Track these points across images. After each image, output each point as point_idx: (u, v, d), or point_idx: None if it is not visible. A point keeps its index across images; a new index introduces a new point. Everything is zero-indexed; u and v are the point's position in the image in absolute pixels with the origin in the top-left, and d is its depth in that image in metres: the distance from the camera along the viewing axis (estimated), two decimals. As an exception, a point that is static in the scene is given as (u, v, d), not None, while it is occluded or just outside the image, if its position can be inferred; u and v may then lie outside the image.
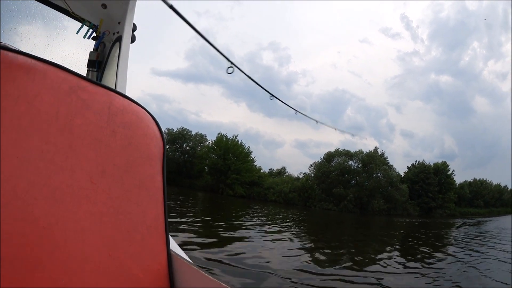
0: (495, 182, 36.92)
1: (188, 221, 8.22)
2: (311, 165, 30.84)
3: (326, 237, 9.91)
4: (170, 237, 0.62)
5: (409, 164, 32.31)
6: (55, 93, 0.49)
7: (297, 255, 6.03)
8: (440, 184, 29.59)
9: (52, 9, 1.52)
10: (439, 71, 77.16)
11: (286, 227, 10.87)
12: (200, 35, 1.49)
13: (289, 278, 4.42)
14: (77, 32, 1.56)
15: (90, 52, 1.63)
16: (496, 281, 5.48)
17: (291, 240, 7.95)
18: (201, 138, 33.33)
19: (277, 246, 6.78)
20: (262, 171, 32.41)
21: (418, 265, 6.38)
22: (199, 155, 31.25)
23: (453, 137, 67.72)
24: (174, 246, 0.71)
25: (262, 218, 12.69)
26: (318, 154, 61.31)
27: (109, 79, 1.51)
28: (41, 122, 0.47)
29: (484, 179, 36.18)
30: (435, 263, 6.76)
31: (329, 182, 27.62)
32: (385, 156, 29.15)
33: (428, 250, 8.48)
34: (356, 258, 6.55)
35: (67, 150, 0.49)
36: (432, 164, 30.86)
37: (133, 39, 1.42)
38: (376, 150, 29.28)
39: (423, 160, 31.82)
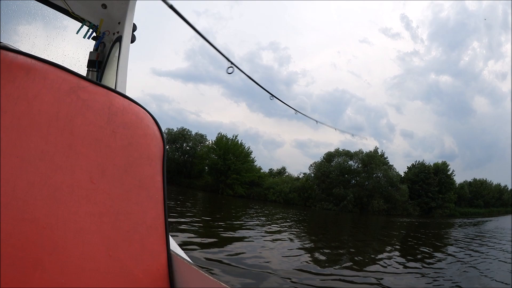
0: (495, 182, 36.88)
1: (188, 221, 8.21)
2: (311, 165, 30.89)
3: (326, 237, 9.90)
4: (170, 237, 0.62)
5: (409, 164, 32.25)
6: (55, 93, 0.49)
7: (297, 255, 6.03)
8: (440, 184, 29.55)
9: (52, 9, 1.52)
10: (439, 71, 76.98)
11: (286, 227, 10.87)
12: (200, 34, 1.49)
13: (289, 278, 4.43)
14: (77, 32, 1.56)
15: (90, 52, 1.63)
16: (496, 281, 5.48)
17: (291, 240, 7.95)
18: (201, 138, 33.35)
19: (277, 246, 6.77)
20: (262, 171, 32.40)
21: (418, 265, 6.38)
22: (199, 155, 31.26)
23: (453, 137, 67.64)
24: (174, 246, 0.71)
25: (262, 218, 12.68)
26: (318, 154, 61.39)
27: (109, 79, 1.52)
28: (41, 122, 0.47)
29: (484, 179, 36.17)
30: (435, 263, 6.76)
31: (329, 182, 27.61)
32: (385, 156, 29.18)
33: (428, 250, 8.48)
34: (356, 258, 6.55)
35: (67, 150, 0.49)
36: (432, 164, 30.82)
37: (133, 39, 1.42)
38: (376, 150, 29.31)
39: (423, 160, 31.76)
